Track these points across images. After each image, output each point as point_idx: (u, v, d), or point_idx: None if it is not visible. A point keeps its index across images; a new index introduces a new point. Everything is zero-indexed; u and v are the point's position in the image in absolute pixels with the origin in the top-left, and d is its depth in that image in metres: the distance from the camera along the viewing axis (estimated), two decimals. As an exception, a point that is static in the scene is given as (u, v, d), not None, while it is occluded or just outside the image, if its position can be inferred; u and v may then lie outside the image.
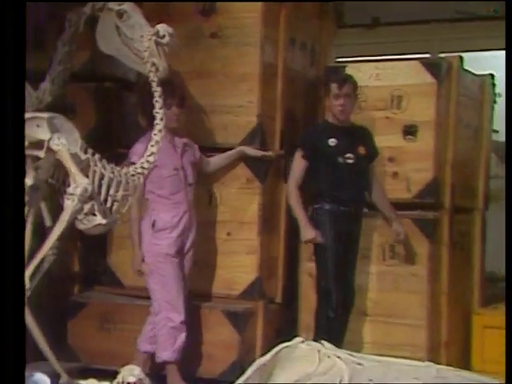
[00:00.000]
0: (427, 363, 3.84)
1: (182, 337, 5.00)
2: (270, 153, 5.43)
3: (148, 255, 5.08)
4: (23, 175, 3.68)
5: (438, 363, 4.00)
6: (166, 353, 4.99)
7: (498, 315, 5.95)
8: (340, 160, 5.24)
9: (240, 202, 5.42)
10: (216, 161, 5.35)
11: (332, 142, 5.23)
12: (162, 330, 5.00)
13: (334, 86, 5.25)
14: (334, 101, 5.24)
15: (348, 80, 5.31)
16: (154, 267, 5.04)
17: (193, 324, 5.12)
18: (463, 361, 5.63)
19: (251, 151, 5.34)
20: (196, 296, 5.22)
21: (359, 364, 3.75)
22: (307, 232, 5.17)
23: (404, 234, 5.35)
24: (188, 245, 5.14)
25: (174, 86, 5.05)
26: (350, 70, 5.61)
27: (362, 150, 5.33)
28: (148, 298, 5.39)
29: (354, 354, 3.94)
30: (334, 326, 5.12)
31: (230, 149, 5.39)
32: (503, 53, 8.32)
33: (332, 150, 5.23)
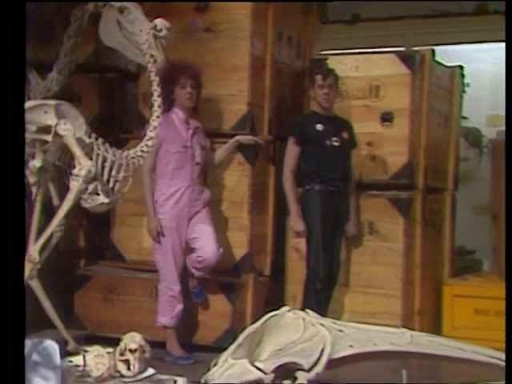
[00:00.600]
0: (402, 330, 3.84)
1: (180, 307, 4.98)
2: (260, 141, 5.40)
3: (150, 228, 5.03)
4: (23, 160, 3.62)
5: (412, 330, 3.99)
6: (165, 318, 4.99)
7: (466, 285, 5.97)
8: (327, 143, 5.23)
9: (232, 183, 5.39)
10: (219, 154, 5.30)
11: (319, 127, 5.23)
12: (163, 298, 4.99)
13: (318, 78, 5.23)
14: (319, 91, 5.24)
15: (331, 72, 5.31)
16: (157, 239, 4.99)
17: (189, 295, 5.09)
18: (435, 327, 5.63)
19: (245, 139, 5.29)
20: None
21: (341, 331, 3.74)
22: (297, 224, 5.18)
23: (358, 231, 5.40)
24: (190, 221, 5.05)
25: (188, 67, 5.02)
26: (332, 62, 5.57)
27: (345, 135, 5.33)
28: (147, 271, 5.39)
29: (336, 321, 3.93)
30: (320, 297, 5.13)
31: (223, 134, 5.35)
32: (471, 46, 8.35)
33: (320, 134, 5.23)
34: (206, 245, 4.95)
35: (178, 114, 5.03)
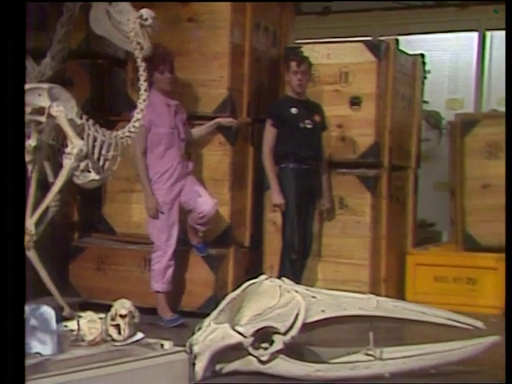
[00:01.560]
0: (369, 296, 3.82)
1: (170, 271, 4.97)
2: (239, 122, 5.35)
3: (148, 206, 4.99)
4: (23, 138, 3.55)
5: (378, 295, 3.97)
6: (157, 284, 4.97)
7: (427, 255, 5.99)
8: (301, 125, 5.20)
9: (213, 162, 5.34)
10: (197, 132, 5.24)
11: (294, 110, 5.19)
12: (156, 266, 4.97)
13: (293, 64, 5.19)
14: (293, 76, 5.19)
15: (305, 59, 5.26)
16: (156, 217, 4.96)
17: (176, 265, 5.05)
18: (399, 293, 5.65)
19: (225, 122, 5.24)
20: (178, 241, 5.14)
21: (314, 297, 3.72)
22: (277, 198, 5.14)
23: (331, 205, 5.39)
24: (182, 191, 5.00)
25: (165, 54, 4.98)
26: (305, 50, 5.52)
27: (317, 118, 5.30)
28: (136, 243, 5.35)
29: (310, 288, 3.91)
30: (295, 267, 5.12)
31: (205, 117, 5.29)
32: (432, 36, 8.34)
33: (294, 117, 5.19)
34: (202, 201, 4.94)
35: (158, 97, 4.97)
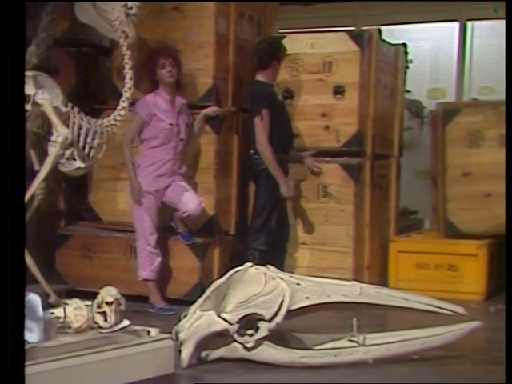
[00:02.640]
0: (353, 282, 3.81)
1: (158, 260, 4.96)
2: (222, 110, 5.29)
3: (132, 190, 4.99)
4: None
5: (362, 282, 3.97)
6: (145, 272, 4.95)
7: (409, 242, 6.00)
8: (286, 113, 5.16)
9: (198, 151, 5.30)
10: (194, 130, 5.21)
11: (280, 97, 5.15)
12: (142, 253, 4.96)
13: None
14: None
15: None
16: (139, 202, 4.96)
17: (162, 253, 5.03)
18: (381, 280, 5.64)
19: (211, 112, 5.19)
20: (164, 228, 5.12)
21: (298, 284, 3.71)
22: (287, 191, 5.00)
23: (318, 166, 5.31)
24: (168, 187, 4.99)
25: (165, 49, 5.01)
26: (289, 39, 5.50)
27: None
28: (122, 231, 5.31)
29: (294, 275, 3.90)
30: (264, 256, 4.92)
31: (191, 105, 5.22)
32: (414, 26, 8.34)
33: (282, 104, 5.13)
34: (187, 201, 4.94)
35: (163, 95, 4.98)
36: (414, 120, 8.21)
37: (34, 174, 4.62)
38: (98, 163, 4.72)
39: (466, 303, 4.22)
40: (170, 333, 3.58)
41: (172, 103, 5.01)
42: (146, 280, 4.97)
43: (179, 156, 5.04)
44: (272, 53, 5.14)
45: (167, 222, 5.12)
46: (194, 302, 3.71)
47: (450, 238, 5.78)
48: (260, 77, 5.12)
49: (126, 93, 4.52)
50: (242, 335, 3.61)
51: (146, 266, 4.94)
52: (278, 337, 3.68)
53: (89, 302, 3.43)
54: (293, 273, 4.32)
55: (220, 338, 3.64)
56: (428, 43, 8.33)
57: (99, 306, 3.40)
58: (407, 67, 6.37)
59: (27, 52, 4.90)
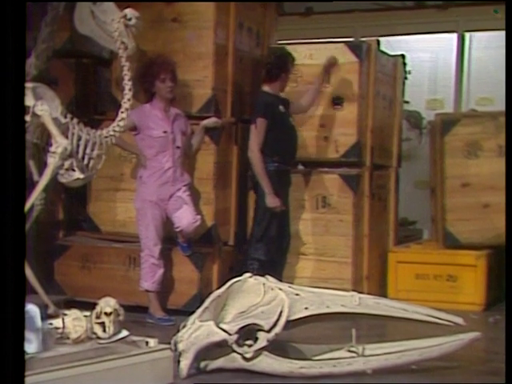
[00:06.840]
0: (352, 293, 3.81)
1: (160, 272, 4.97)
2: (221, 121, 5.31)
3: (136, 200, 5.02)
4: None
5: (361, 293, 3.97)
6: (147, 283, 4.96)
7: (408, 252, 6.00)
8: (291, 122, 5.15)
9: (198, 161, 5.31)
10: (193, 143, 5.21)
11: (282, 108, 5.12)
12: (145, 264, 4.96)
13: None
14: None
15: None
16: (140, 211, 4.97)
17: (163, 264, 5.03)
18: (381, 290, 5.65)
19: (210, 123, 5.21)
20: (164, 239, 5.12)
21: (297, 294, 3.71)
22: (272, 201, 4.97)
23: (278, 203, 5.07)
24: (172, 197, 4.98)
25: (166, 63, 5.00)
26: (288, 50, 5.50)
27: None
28: (121, 241, 5.32)
29: (293, 286, 3.90)
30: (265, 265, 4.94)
31: (190, 116, 5.24)
32: (413, 37, 8.38)
33: (284, 115, 5.10)
34: (181, 216, 4.94)
35: (156, 104, 5.00)
36: (413, 131, 8.24)
37: (33, 184, 4.63)
38: (97, 174, 4.72)
39: (464, 314, 4.22)
40: (169, 343, 3.58)
41: (166, 111, 5.02)
42: (148, 291, 4.97)
43: (179, 163, 5.03)
44: (281, 66, 5.12)
45: (168, 233, 5.12)
46: (193, 312, 3.71)
47: (449, 248, 5.78)
48: (266, 88, 5.14)
49: (126, 104, 4.52)
50: (240, 345, 3.61)
51: (148, 277, 4.95)
52: (277, 347, 3.68)
53: (87, 313, 3.43)
54: (292, 283, 4.32)
55: (219, 348, 3.64)
56: (426, 54, 8.36)
57: (98, 317, 3.40)
58: (406, 78, 6.39)
59: (27, 63, 4.92)
